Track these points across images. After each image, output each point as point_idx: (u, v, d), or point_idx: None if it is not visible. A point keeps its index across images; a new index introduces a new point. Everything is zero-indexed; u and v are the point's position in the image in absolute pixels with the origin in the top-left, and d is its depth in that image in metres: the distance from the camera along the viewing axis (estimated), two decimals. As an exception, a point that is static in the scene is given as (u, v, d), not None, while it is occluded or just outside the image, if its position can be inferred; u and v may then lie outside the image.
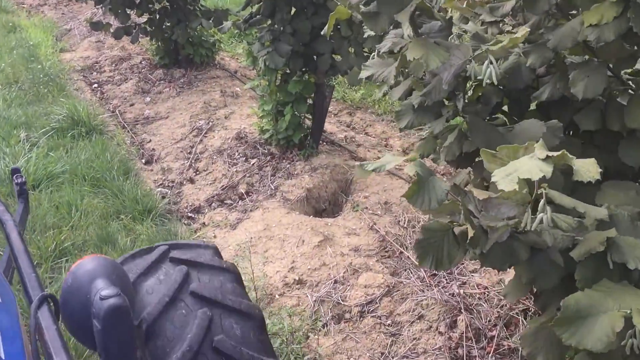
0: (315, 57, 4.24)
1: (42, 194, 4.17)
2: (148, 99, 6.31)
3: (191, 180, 4.61)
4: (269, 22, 4.15)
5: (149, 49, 7.03)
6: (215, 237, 3.87)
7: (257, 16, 4.18)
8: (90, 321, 1.27)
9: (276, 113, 4.52)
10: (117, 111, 6.10)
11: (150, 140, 5.39)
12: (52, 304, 1.44)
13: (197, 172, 4.72)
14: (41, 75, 6.55)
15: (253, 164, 4.62)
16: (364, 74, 1.89)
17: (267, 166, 4.56)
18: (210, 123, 5.47)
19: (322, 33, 3.92)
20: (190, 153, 5.04)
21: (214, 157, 4.88)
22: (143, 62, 7.29)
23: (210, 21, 6.15)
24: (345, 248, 3.52)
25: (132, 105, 6.26)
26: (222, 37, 6.90)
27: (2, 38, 8.28)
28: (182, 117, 5.72)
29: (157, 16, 6.47)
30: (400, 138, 5.35)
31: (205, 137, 5.27)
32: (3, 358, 1.25)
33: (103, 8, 5.94)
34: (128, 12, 6.28)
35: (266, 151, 4.76)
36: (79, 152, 4.81)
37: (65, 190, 4.18)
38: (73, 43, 8.56)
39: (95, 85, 6.93)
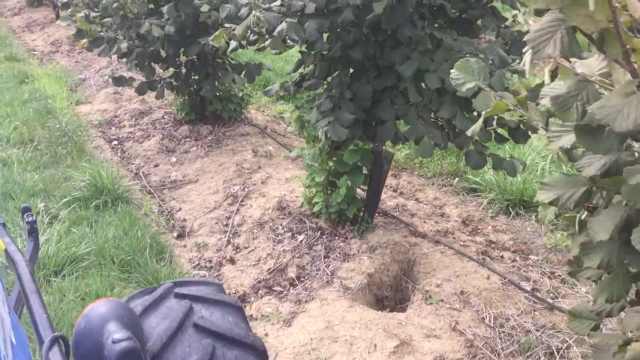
0: (374, 123, 3.77)
1: (66, 281, 3.65)
2: (174, 159, 5.84)
3: (231, 261, 4.09)
4: (325, 85, 3.68)
5: (173, 104, 6.59)
6: (267, 334, 3.34)
7: (312, 79, 3.73)
8: None
9: (327, 184, 4.02)
10: (140, 173, 5.62)
11: (180, 209, 4.89)
12: (62, 345, 1.44)
13: (238, 250, 4.20)
14: (58, 133, 6.09)
15: (301, 241, 4.11)
16: (542, 196, 1.39)
17: (317, 244, 4.04)
18: (246, 189, 4.97)
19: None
20: (226, 225, 4.53)
21: (255, 230, 4.36)
22: (166, 117, 6.85)
23: (243, 76, 5.72)
24: (428, 357, 2.98)
25: (156, 166, 5.78)
26: (250, 90, 6.45)
27: (15, 90, 7.87)
28: (213, 181, 5.23)
29: (184, 70, 6.05)
30: (457, 206, 4.84)
31: (242, 205, 4.77)
32: None
33: (128, 63, 5.50)
34: (153, 66, 5.85)
35: (314, 225, 4.25)
36: (105, 228, 4.31)
37: (91, 277, 3.67)
38: (89, 94, 8.15)
39: (115, 142, 6.47)
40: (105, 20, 5.55)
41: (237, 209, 4.71)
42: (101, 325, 1.35)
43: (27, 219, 2.31)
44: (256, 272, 3.93)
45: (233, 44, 3.65)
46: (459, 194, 5.06)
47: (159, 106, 7.18)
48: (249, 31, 3.14)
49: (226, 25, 3.44)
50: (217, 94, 6.02)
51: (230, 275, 3.95)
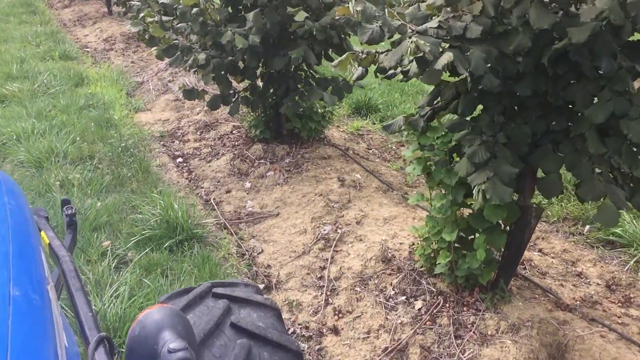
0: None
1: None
2: (248, 184, 5.14)
3: (334, 330, 3.36)
4: (470, 126, 2.92)
5: (244, 119, 5.89)
6: None
7: (449, 113, 2.97)
8: None
9: (458, 241, 3.26)
10: (212, 200, 4.94)
11: (262, 251, 4.19)
12: (107, 345, 1.40)
13: (340, 315, 3.47)
14: (120, 149, 5.45)
15: (420, 309, 3.35)
16: None
17: (441, 315, 3.29)
18: (339, 230, 4.24)
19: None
20: (321, 278, 3.81)
21: (357, 289, 3.63)
22: (235, 132, 6.17)
23: (330, 93, 4.99)
24: None
25: (228, 192, 5.09)
26: (332, 107, 5.72)
27: (70, 94, 7.30)
28: (298, 217, 4.52)
29: (260, 83, 5.35)
30: (594, 263, 4.02)
31: (337, 252, 4.04)
32: None
33: (204, 76, 4.82)
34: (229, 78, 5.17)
35: (432, 288, 3.49)
36: (182, 276, 3.63)
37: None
38: (148, 100, 7.54)
39: (180, 159, 5.82)
40: (179, 26, 4.88)
41: (332, 257, 3.98)
42: (156, 332, 1.31)
43: (66, 212, 2.30)
44: (367, 349, 3.19)
45: (358, 70, 2.91)
46: (593, 247, 4.23)
47: (226, 118, 6.51)
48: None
49: (359, 49, 2.70)
50: (298, 111, 5.29)
51: (336, 351, 3.22)
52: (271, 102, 5.52)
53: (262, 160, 5.44)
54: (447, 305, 3.35)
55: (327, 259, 3.97)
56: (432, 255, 3.51)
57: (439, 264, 3.34)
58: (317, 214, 4.46)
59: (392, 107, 6.98)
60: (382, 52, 2.78)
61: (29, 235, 1.68)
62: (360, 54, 2.77)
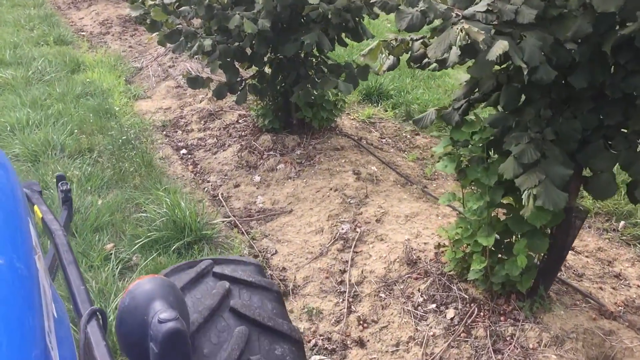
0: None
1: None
2: (257, 177, 4.85)
3: (360, 342, 3.09)
4: (514, 121, 2.63)
5: (252, 108, 5.57)
6: None
7: (497, 110, 2.68)
8: (146, 342, 1.24)
9: (494, 245, 2.99)
10: (219, 195, 4.66)
11: (276, 252, 3.91)
12: (100, 318, 1.40)
13: (364, 324, 3.20)
14: (120, 141, 5.15)
15: (452, 318, 3.09)
16: None
17: (477, 326, 3.02)
18: (358, 229, 3.97)
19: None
20: (341, 283, 3.53)
21: (382, 295, 3.36)
22: (241, 122, 5.86)
23: (344, 81, 4.68)
24: None
25: (237, 186, 4.81)
26: (345, 95, 5.41)
27: (67, 81, 6.97)
28: (312, 214, 4.24)
29: (270, 70, 5.03)
30: (633, 263, 3.75)
31: (356, 253, 3.77)
32: None
33: (211, 63, 4.50)
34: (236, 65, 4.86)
35: (464, 294, 3.23)
36: (191, 284, 3.34)
37: None
38: (148, 87, 7.21)
39: (184, 150, 5.52)
40: (182, 9, 4.55)
41: (352, 259, 3.71)
42: (147, 303, 1.28)
43: (61, 187, 2.31)
44: (398, 363, 2.93)
45: (388, 60, 2.60)
46: (629, 245, 3.96)
47: (231, 107, 6.19)
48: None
49: (391, 36, 2.39)
50: (309, 100, 4.98)
51: (363, 366, 2.96)
52: (280, 90, 5.21)
53: (271, 152, 5.15)
54: (482, 314, 3.09)
55: (347, 261, 3.69)
56: (464, 259, 3.24)
57: (472, 269, 3.06)
58: (333, 211, 4.17)
59: (404, 93, 6.67)
60: (417, 39, 2.48)
61: (15, 204, 1.62)
62: (392, 42, 2.46)
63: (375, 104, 6.64)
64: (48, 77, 7.04)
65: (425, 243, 3.76)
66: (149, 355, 1.25)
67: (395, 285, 3.42)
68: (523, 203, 2.37)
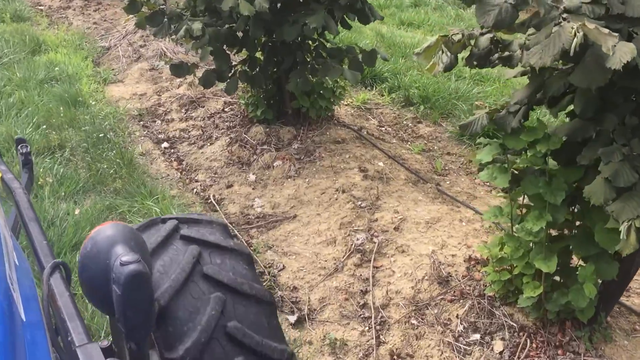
0: None
1: None
2: (252, 176, 4.36)
3: (397, 383, 2.67)
4: (594, 131, 2.20)
5: (241, 97, 5.03)
6: None
7: (565, 116, 2.25)
8: (108, 286, 1.25)
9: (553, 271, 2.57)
10: (211, 198, 4.15)
11: (283, 268, 3.45)
12: (63, 271, 1.45)
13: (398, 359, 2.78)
14: (95, 137, 4.57)
15: (502, 352, 2.69)
16: None
17: (531, 362, 2.63)
18: (375, 239, 3.53)
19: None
20: (364, 306, 3.10)
21: (413, 321, 2.94)
22: (228, 110, 5.33)
23: (348, 67, 4.19)
24: None
25: (230, 186, 4.30)
26: (345, 82, 4.91)
27: (28, 64, 6.29)
28: (320, 220, 3.78)
29: (263, 56, 4.51)
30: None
31: (377, 269, 3.33)
32: (25, 320, 1.26)
33: (201, 50, 3.95)
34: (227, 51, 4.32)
35: (509, 320, 2.82)
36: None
37: None
38: (118, 70, 6.58)
39: (166, 144, 4.97)
40: (164, -13, 3.97)
41: (373, 276, 3.27)
42: (108, 247, 1.30)
43: (21, 150, 2.31)
44: (444, 410, 2.53)
45: (444, 58, 2.13)
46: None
47: (215, 93, 5.64)
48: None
49: (454, 30, 1.91)
50: (308, 89, 4.47)
51: (404, 414, 2.55)
52: (273, 77, 4.70)
53: (265, 146, 4.64)
54: (535, 345, 2.70)
55: (368, 279, 3.26)
56: (510, 281, 2.83)
57: (525, 296, 2.65)
58: (345, 218, 3.72)
59: (399, 75, 6.19)
60: (483, 33, 2.01)
61: None
62: (453, 36, 1.99)
63: (369, 88, 6.16)
64: (6, 59, 6.35)
65: (453, 255, 3.35)
66: (112, 299, 1.24)
67: (428, 309, 3.00)
68: (621, 237, 1.95)
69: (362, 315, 3.04)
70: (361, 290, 3.19)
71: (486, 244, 2.92)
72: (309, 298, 3.21)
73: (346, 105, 5.70)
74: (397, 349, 2.82)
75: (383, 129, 5.35)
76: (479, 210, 3.80)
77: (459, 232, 3.59)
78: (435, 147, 5.01)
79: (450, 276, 3.17)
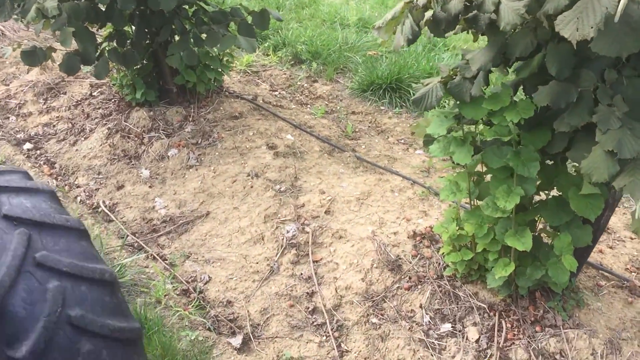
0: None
1: None
2: (145, 172, 3.77)
3: (375, 398, 2.36)
4: (576, 93, 1.91)
5: (112, 77, 4.32)
6: None
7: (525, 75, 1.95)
8: None
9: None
10: (102, 206, 3.53)
11: (209, 279, 2.98)
12: None
13: (369, 369, 2.46)
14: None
15: (478, 340, 2.45)
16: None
17: (512, 346, 2.42)
18: (306, 227, 3.14)
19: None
20: (314, 311, 2.74)
21: (374, 319, 2.63)
22: (97, 95, 4.59)
23: (237, 32, 3.66)
24: None
25: (120, 187, 3.69)
26: (235, 48, 4.35)
27: None
28: (239, 215, 3.32)
29: (134, 28, 3.84)
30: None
31: (317, 263, 2.96)
32: None
33: (60, 32, 3.23)
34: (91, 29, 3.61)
35: (475, 300, 2.59)
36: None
37: None
38: (-52, 59, 5.48)
39: (28, 145, 4.19)
40: (-1, -43, 3.17)
41: (315, 273, 2.89)
42: None
43: None
44: (435, 421, 2.25)
45: (407, 27, 1.72)
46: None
47: (77, 75, 4.83)
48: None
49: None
50: (195, 62, 3.88)
51: None
52: (148, 51, 4.05)
53: (152, 133, 4.03)
54: (510, 325, 2.48)
55: (310, 277, 2.88)
56: (473, 259, 2.58)
57: (496, 276, 2.40)
58: (268, 209, 3.28)
59: (282, 31, 5.70)
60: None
61: None
62: (418, 1, 1.58)
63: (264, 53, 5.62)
64: None
65: (394, 233, 3.05)
66: None
67: (385, 302, 2.69)
68: (636, 216, 1.69)
69: (314, 323, 2.67)
70: (307, 293, 2.81)
71: (442, 223, 2.62)
72: (248, 312, 2.78)
73: (230, 70, 5.14)
74: (364, 358, 2.49)
75: (277, 93, 4.89)
76: (421, 183, 3.52)
77: (393, 205, 3.29)
78: (339, 107, 4.65)
79: (400, 259, 2.87)
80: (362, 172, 3.69)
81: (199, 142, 3.90)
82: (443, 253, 2.68)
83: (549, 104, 1.85)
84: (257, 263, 3.01)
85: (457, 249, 2.61)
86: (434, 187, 3.45)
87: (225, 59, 4.32)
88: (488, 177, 2.40)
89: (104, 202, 3.57)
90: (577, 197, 2.15)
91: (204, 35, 3.67)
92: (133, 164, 3.83)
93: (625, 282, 2.74)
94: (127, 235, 3.27)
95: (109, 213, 3.47)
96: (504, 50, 1.99)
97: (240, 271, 2.99)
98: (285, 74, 5.16)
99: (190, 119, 4.10)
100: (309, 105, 4.69)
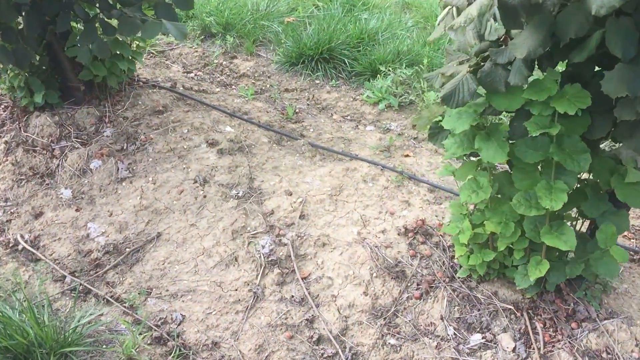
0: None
1: None
2: (66, 191, 3.16)
3: None
4: None
5: (1, 80, 3.55)
6: None
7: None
8: None
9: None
10: (21, 242, 2.91)
11: (183, 318, 2.52)
12: None
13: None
14: None
15: (516, 349, 2.23)
16: None
17: (553, 350, 2.22)
18: (283, 239, 2.75)
19: None
20: (319, 341, 2.39)
21: (390, 340, 2.34)
22: (-20, 101, 3.80)
23: (156, 16, 3.10)
24: None
25: (39, 215, 3.08)
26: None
27: None
28: (199, 232, 2.85)
29: (24, 18, 3.14)
30: None
31: (307, 281, 2.59)
32: None
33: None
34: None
35: (497, 301, 2.37)
36: None
37: None
38: None
39: None
40: None
41: (309, 293, 2.53)
42: None
43: None
44: None
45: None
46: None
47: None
48: None
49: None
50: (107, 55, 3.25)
51: None
52: (42, 45, 3.36)
53: (63, 142, 3.38)
54: (543, 325, 2.28)
55: (304, 299, 2.51)
56: (495, 259, 2.33)
57: (531, 278, 2.15)
58: (234, 223, 2.84)
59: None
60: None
61: None
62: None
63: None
64: None
65: (382, 232, 2.74)
66: None
67: (398, 316, 2.39)
68: None
69: (324, 355, 2.32)
70: (306, 319, 2.44)
71: (452, 222, 2.34)
72: (240, 352, 2.37)
73: (153, 58, 4.49)
74: (394, 389, 2.19)
75: (193, 75, 4.33)
76: (392, 168, 3.20)
77: (371, 198, 2.96)
78: (268, 86, 4.19)
79: (400, 262, 2.57)
80: (321, 161, 3.32)
81: (125, 147, 3.32)
82: (457, 256, 2.41)
83: (628, 93, 1.58)
84: (236, 290, 2.58)
85: (471, 250, 2.35)
86: (406, 170, 3.16)
87: (135, 43, 3.69)
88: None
89: (22, 236, 2.94)
90: (624, 186, 1.94)
91: (115, 22, 3.05)
92: (48, 184, 3.19)
93: (636, 255, 2.63)
94: (65, 277, 2.70)
95: (33, 250, 2.86)
96: (554, 31, 1.68)
97: (218, 303, 2.55)
98: (197, 51, 4.58)
99: (107, 120, 3.48)
100: (233, 87, 4.19)
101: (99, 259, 2.81)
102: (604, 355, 2.15)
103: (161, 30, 2.95)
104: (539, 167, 2.02)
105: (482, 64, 1.85)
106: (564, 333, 2.23)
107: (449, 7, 1.54)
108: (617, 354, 2.15)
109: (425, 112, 2.21)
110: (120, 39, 3.47)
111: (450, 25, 1.42)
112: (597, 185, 2.05)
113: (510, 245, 2.21)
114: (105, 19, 3.13)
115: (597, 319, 2.25)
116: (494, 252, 2.28)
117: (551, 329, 2.25)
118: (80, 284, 2.66)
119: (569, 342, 2.19)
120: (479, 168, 2.20)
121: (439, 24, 1.55)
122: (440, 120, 2.22)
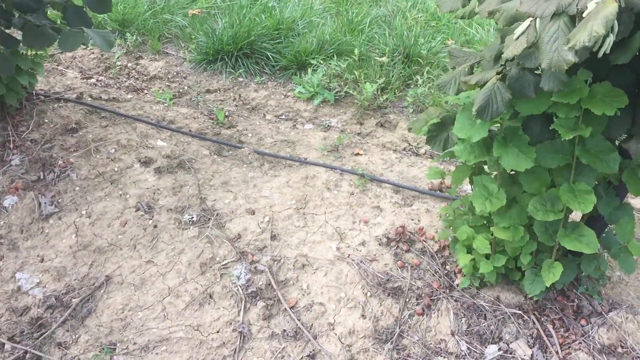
0: None
1: None
2: (-22, 239, 2.64)
3: None
4: None
5: None
6: None
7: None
8: None
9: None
10: None
11: (163, 374, 2.19)
12: None
13: None
14: None
15: (533, 357, 2.17)
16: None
17: (569, 351, 2.18)
18: (258, 266, 2.49)
19: None
20: (327, 375, 2.18)
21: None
22: None
23: (74, 25, 2.68)
24: None
25: (-51, 272, 2.54)
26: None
27: None
28: (159, 270, 2.50)
29: None
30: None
31: (296, 310, 2.36)
32: None
33: None
34: None
35: (502, 307, 2.30)
36: None
37: None
38: None
39: None
40: None
41: (302, 324, 2.30)
42: None
43: None
44: None
45: None
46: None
47: None
48: None
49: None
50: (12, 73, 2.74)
51: None
52: None
53: (-39, 178, 2.83)
54: (553, 326, 2.23)
55: (299, 332, 2.27)
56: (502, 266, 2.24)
57: (546, 283, 2.08)
58: (201, 254, 2.51)
59: None
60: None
61: None
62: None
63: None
64: None
65: (362, 244, 2.57)
66: None
67: (404, 337, 2.24)
68: None
69: (336, 394, 2.12)
70: (307, 356, 2.21)
71: (447, 228, 2.21)
72: (240, 404, 2.10)
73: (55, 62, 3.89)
74: (421, 418, 2.04)
75: (93, 80, 3.84)
76: (351, 171, 2.99)
77: (339, 208, 2.77)
78: (186, 88, 3.81)
79: (392, 276, 2.41)
80: (272, 170, 3.05)
81: (42, 177, 2.84)
82: (460, 266, 2.28)
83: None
84: (218, 332, 2.29)
85: (489, 260, 2.24)
86: (363, 170, 2.99)
87: (33, 52, 3.16)
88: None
89: None
90: (636, 180, 1.90)
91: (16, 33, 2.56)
92: (-48, 232, 2.65)
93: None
94: (4, 344, 2.25)
95: (-46, 317, 2.35)
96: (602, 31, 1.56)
97: (200, 350, 2.24)
98: (93, 53, 4.07)
99: (12, 146, 2.96)
100: (146, 91, 3.76)
101: (40, 316, 2.37)
102: (620, 350, 2.14)
103: (82, 40, 2.51)
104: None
105: (507, 68, 1.70)
106: (576, 332, 2.19)
107: (530, 19, 1.36)
108: (630, 345, 2.15)
109: (423, 114, 2.04)
110: (20, 51, 2.95)
111: (570, 45, 1.24)
112: (605, 182, 2.01)
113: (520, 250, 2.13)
114: (3, 29, 2.63)
115: (602, 312, 2.24)
116: (504, 256, 2.18)
117: (562, 329, 2.21)
118: (26, 351, 2.22)
119: (583, 341, 2.16)
120: (477, 172, 2.09)
121: (517, 39, 1.37)
122: (438, 122, 2.08)
